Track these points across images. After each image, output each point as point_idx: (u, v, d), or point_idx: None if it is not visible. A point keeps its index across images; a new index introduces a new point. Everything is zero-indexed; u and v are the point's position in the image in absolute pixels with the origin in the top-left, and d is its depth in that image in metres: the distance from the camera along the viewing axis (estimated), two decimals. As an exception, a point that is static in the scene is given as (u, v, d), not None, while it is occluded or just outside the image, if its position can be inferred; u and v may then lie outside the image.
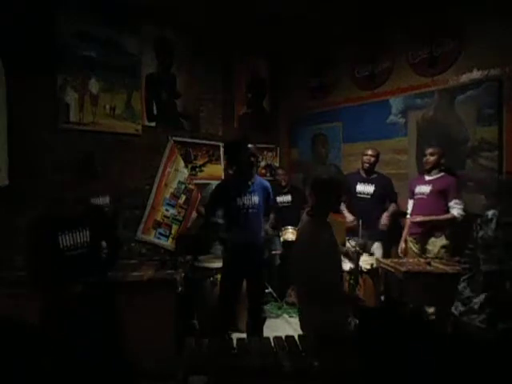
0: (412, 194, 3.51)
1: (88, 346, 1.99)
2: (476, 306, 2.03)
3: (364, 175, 3.78)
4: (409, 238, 3.48)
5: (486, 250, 2.05)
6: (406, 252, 3.50)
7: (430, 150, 3.38)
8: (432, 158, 3.35)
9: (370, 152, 3.76)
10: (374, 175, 3.78)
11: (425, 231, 3.31)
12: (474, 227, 2.15)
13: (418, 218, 3.28)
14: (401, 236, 3.54)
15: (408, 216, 3.54)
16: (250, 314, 2.85)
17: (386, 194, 3.74)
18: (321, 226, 1.96)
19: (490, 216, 2.07)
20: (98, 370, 1.97)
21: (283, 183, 4.50)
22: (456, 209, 3.19)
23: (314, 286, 1.84)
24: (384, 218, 3.59)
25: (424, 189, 3.37)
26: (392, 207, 3.71)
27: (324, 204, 1.99)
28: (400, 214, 3.73)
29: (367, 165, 3.74)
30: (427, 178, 3.40)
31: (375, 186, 3.69)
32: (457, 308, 2.11)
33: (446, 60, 3.63)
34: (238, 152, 2.79)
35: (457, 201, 3.21)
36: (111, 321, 2.17)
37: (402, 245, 3.53)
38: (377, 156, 3.77)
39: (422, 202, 3.36)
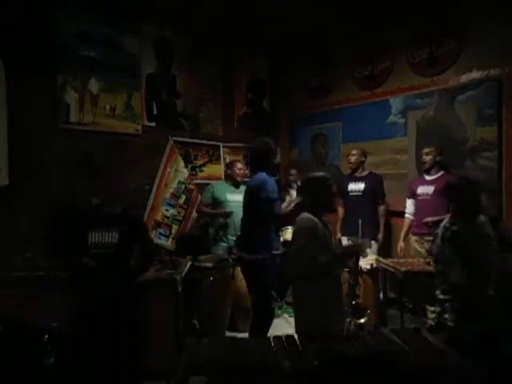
0: (412, 194, 3.50)
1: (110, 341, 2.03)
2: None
3: (354, 174, 3.84)
4: (413, 238, 3.46)
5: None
6: (405, 251, 3.49)
7: (425, 150, 3.42)
8: (428, 158, 3.38)
9: (353, 152, 3.85)
10: (365, 173, 3.81)
11: (431, 232, 3.21)
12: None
13: (429, 219, 3.16)
14: (392, 235, 3.54)
15: (407, 216, 3.55)
16: (258, 313, 2.82)
17: (377, 191, 3.74)
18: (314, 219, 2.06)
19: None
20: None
21: (299, 183, 4.49)
22: None
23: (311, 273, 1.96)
24: None
25: (427, 189, 3.37)
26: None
27: (317, 203, 2.12)
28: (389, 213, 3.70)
29: (350, 164, 3.84)
30: (428, 178, 3.42)
31: (365, 183, 3.73)
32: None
33: (446, 60, 3.63)
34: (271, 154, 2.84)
35: None
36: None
37: (401, 244, 3.55)
38: (361, 155, 3.80)
39: (426, 202, 3.35)
